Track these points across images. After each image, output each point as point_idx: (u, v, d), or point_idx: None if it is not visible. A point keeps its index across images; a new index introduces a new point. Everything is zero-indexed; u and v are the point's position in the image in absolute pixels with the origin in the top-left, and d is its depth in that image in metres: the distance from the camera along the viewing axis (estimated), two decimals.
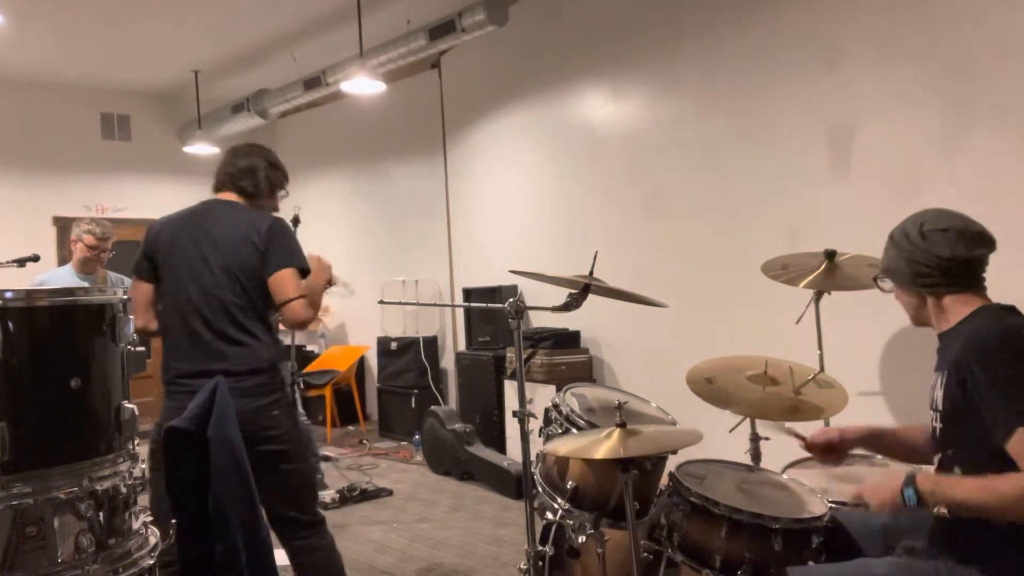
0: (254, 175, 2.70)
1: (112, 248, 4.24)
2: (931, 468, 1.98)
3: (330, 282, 2.84)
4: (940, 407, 1.89)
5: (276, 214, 2.76)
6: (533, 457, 2.53)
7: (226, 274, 2.52)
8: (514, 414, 2.47)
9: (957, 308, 1.92)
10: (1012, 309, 1.88)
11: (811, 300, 3.43)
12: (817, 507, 2.27)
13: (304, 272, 2.61)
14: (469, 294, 6.39)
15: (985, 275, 1.96)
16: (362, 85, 6.08)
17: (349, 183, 8.16)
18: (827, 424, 3.31)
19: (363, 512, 4.86)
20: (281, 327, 2.77)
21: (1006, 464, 1.69)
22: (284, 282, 2.51)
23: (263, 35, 6.74)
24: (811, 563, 2.12)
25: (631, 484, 2.15)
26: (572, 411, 2.62)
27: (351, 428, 7.59)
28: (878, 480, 1.88)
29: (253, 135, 9.00)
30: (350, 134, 8.19)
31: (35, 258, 3.71)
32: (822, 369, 3.21)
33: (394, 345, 7.11)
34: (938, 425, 1.92)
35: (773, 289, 3.54)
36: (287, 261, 2.54)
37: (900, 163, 3.83)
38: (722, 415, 2.89)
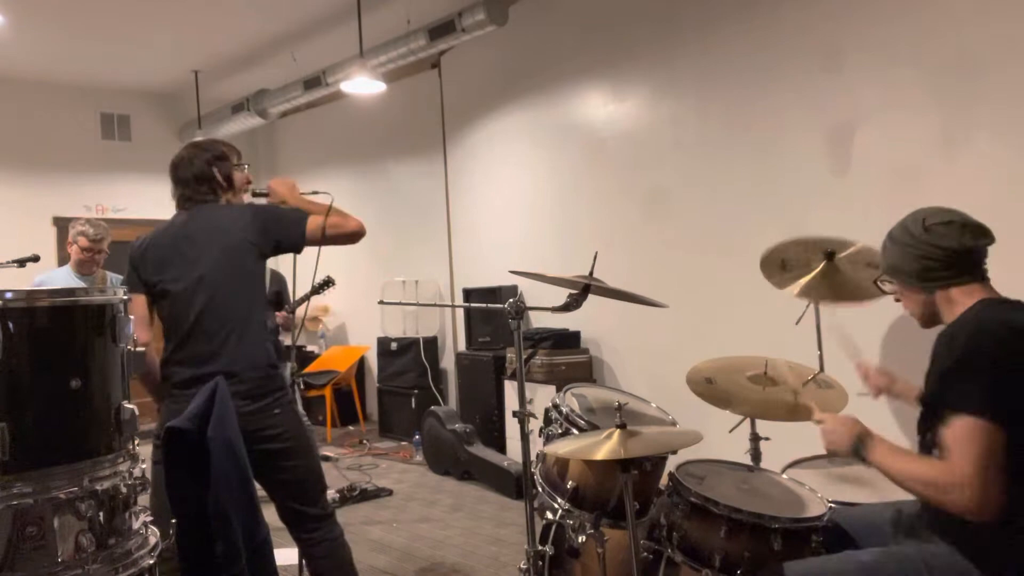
0: (208, 180, 2.63)
1: (108, 249, 4.24)
2: None
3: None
4: (924, 391, 1.94)
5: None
6: (533, 457, 2.53)
7: (220, 276, 2.50)
8: (514, 414, 2.47)
9: (963, 300, 1.92)
10: (1015, 304, 1.89)
11: (811, 300, 3.43)
12: (817, 507, 2.27)
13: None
14: (469, 294, 6.39)
15: (987, 266, 1.96)
16: (362, 85, 6.09)
17: (349, 183, 8.16)
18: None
19: (363, 512, 4.86)
20: (282, 329, 2.76)
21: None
22: (310, 225, 2.54)
23: (263, 35, 6.74)
24: None
25: (631, 484, 2.15)
26: (572, 411, 2.62)
27: (351, 428, 7.59)
28: (838, 422, 1.97)
29: (253, 135, 9.04)
30: (350, 134, 8.19)
31: (35, 258, 3.71)
32: (822, 369, 3.21)
33: (394, 345, 7.11)
34: (920, 408, 1.97)
35: (773, 289, 3.54)
36: (296, 224, 2.55)
37: (900, 163, 3.83)
38: (722, 415, 2.89)
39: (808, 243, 3.37)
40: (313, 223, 2.56)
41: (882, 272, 2.09)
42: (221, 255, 2.51)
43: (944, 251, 1.90)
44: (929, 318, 2.01)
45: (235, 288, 2.52)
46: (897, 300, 2.09)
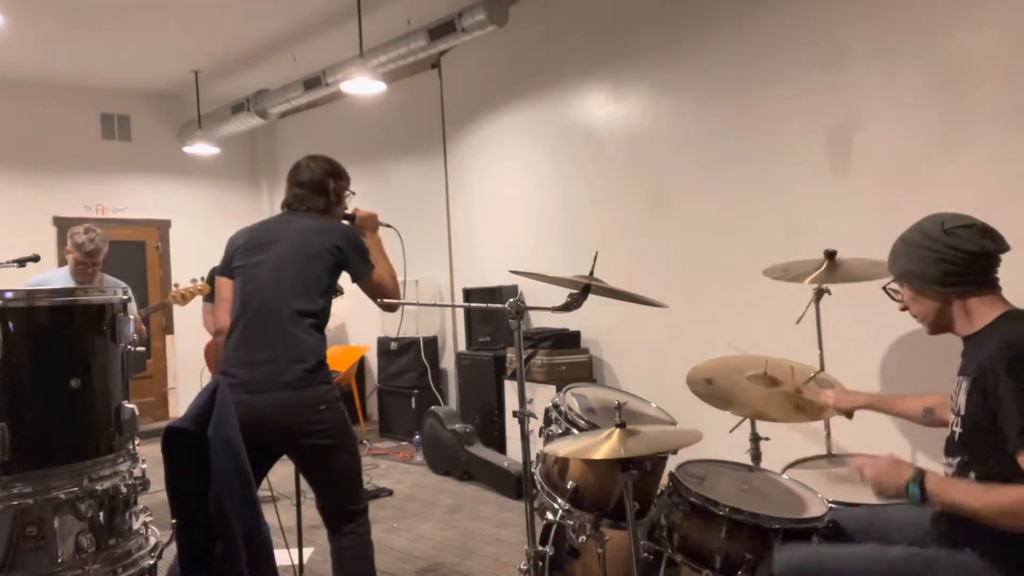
0: (324, 192, 2.84)
1: (104, 261, 4.23)
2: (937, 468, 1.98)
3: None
4: (962, 412, 1.87)
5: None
6: (533, 457, 2.53)
7: (291, 271, 2.65)
8: (514, 414, 2.46)
9: (983, 311, 1.89)
10: None
11: (811, 300, 3.43)
12: (817, 507, 2.27)
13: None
14: (469, 294, 6.38)
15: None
16: (362, 85, 6.09)
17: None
18: (827, 424, 3.32)
19: None
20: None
21: (1022, 476, 1.69)
22: (371, 282, 2.79)
23: (263, 35, 6.74)
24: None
25: (631, 484, 2.15)
26: (572, 411, 2.62)
27: None
28: (884, 465, 1.89)
29: (253, 135, 9.04)
30: (350, 134, 8.19)
31: (35, 258, 3.71)
32: (822, 369, 3.21)
33: (394, 345, 7.11)
34: (958, 429, 1.90)
35: (773, 289, 3.54)
36: (367, 265, 2.79)
37: (900, 163, 3.83)
38: (722, 415, 2.89)
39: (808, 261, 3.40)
40: (378, 277, 2.80)
41: (895, 277, 2.04)
42: (298, 252, 2.67)
43: (965, 255, 1.87)
44: (940, 325, 1.98)
45: (300, 285, 2.65)
46: (903, 309, 2.06)
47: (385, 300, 2.80)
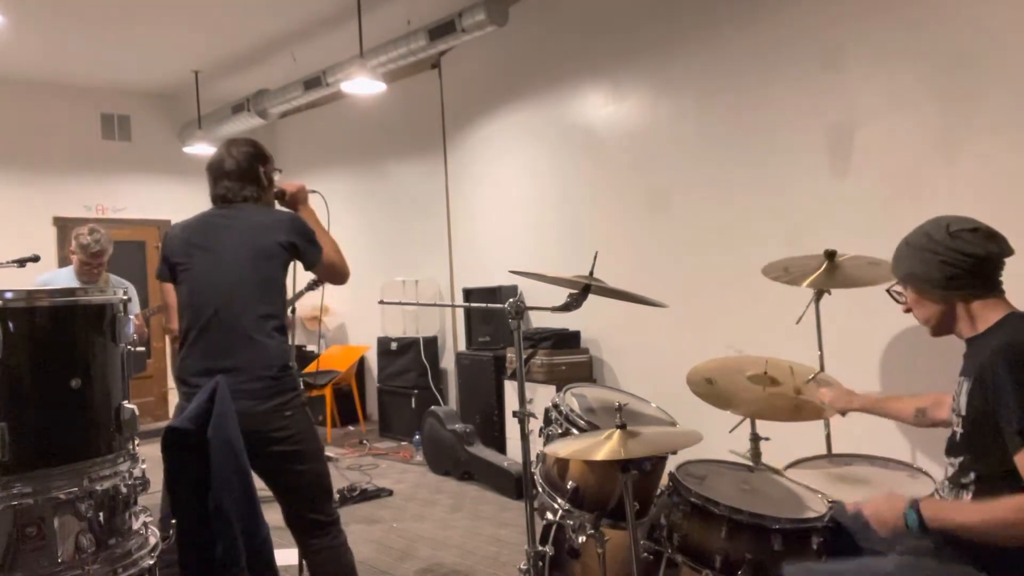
0: (255, 179, 2.70)
1: (108, 262, 4.24)
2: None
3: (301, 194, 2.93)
4: (963, 412, 1.87)
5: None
6: (533, 457, 2.53)
7: (246, 274, 2.53)
8: (514, 414, 2.47)
9: (986, 313, 1.89)
10: None
11: (811, 300, 3.43)
12: (817, 507, 2.27)
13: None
14: (469, 294, 6.38)
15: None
16: (362, 85, 6.08)
17: (349, 183, 8.16)
18: (827, 424, 3.32)
19: (363, 512, 4.86)
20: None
21: (1020, 478, 1.68)
22: (323, 265, 2.73)
23: (263, 35, 6.74)
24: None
25: (631, 484, 2.15)
26: (572, 411, 2.62)
27: (351, 428, 7.59)
28: (880, 502, 1.88)
29: (253, 135, 8.97)
30: (350, 134, 8.19)
31: (35, 258, 3.71)
32: (822, 369, 3.21)
33: (394, 345, 7.11)
34: (959, 430, 1.89)
35: (773, 289, 3.54)
36: (318, 249, 2.70)
37: (900, 163, 3.83)
38: (722, 415, 2.89)
39: (809, 256, 3.40)
40: (327, 257, 2.72)
41: (899, 279, 2.04)
42: (249, 252, 2.55)
43: (970, 258, 1.86)
44: (943, 328, 1.98)
45: (257, 287, 2.54)
46: (907, 311, 2.05)
47: (341, 276, 2.81)
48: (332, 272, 2.78)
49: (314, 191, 2.96)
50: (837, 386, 2.89)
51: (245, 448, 2.40)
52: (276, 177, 2.83)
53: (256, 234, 2.57)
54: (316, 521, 2.58)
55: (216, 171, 2.69)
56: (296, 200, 2.87)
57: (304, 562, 2.67)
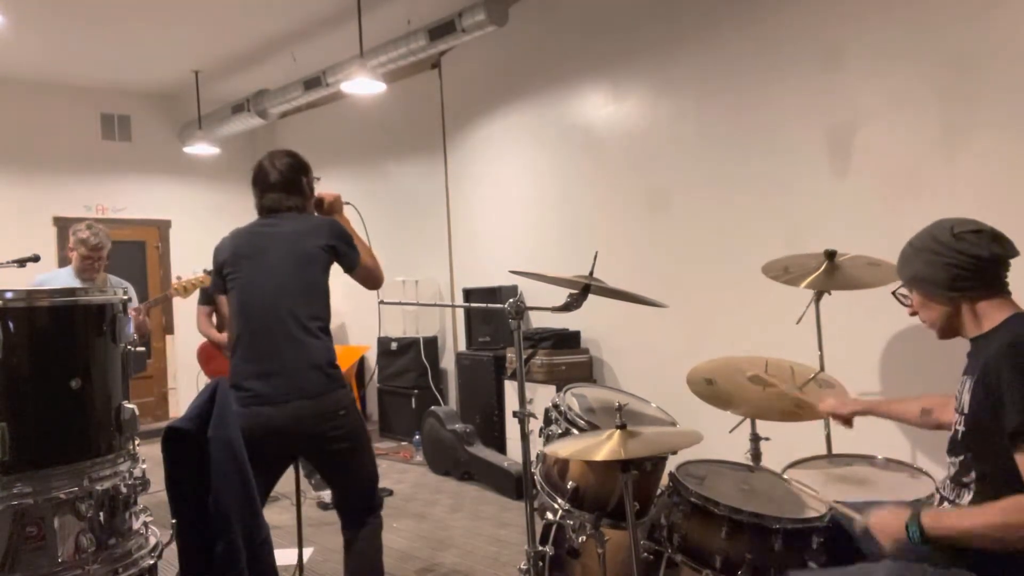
0: (299, 190, 2.81)
1: (109, 258, 4.24)
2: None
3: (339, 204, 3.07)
4: (965, 411, 1.87)
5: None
6: (533, 457, 2.53)
7: (290, 278, 2.64)
8: (514, 414, 2.47)
9: (991, 313, 1.89)
10: None
11: (811, 300, 3.43)
12: (817, 507, 2.27)
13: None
14: (469, 294, 6.38)
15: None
16: (362, 85, 6.08)
17: (349, 183, 8.12)
18: (827, 423, 3.32)
19: None
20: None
21: (1019, 477, 1.68)
22: (362, 268, 2.87)
23: (263, 35, 6.74)
24: (812, 564, 2.12)
25: (631, 484, 2.15)
26: (572, 411, 2.62)
27: None
28: (884, 516, 1.88)
29: (253, 135, 9.03)
30: (350, 134, 8.19)
31: (35, 258, 3.71)
32: (822, 369, 3.21)
33: (394, 345, 7.11)
34: (961, 428, 1.89)
35: (773, 289, 3.54)
36: (356, 253, 2.83)
37: (900, 163, 3.83)
38: (722, 415, 2.89)
39: (809, 255, 3.40)
40: (363, 261, 2.84)
41: (904, 282, 2.03)
42: (292, 257, 2.66)
43: (975, 260, 1.86)
44: (949, 330, 1.98)
45: (301, 291, 2.65)
46: (913, 314, 2.04)
47: (376, 281, 2.94)
48: (369, 276, 2.90)
49: (348, 203, 3.10)
50: (838, 388, 2.89)
51: (300, 447, 2.65)
52: (316, 186, 2.95)
53: (298, 240, 2.70)
54: (366, 507, 2.83)
55: (262, 184, 2.81)
56: (332, 209, 3.00)
57: (345, 539, 2.84)
